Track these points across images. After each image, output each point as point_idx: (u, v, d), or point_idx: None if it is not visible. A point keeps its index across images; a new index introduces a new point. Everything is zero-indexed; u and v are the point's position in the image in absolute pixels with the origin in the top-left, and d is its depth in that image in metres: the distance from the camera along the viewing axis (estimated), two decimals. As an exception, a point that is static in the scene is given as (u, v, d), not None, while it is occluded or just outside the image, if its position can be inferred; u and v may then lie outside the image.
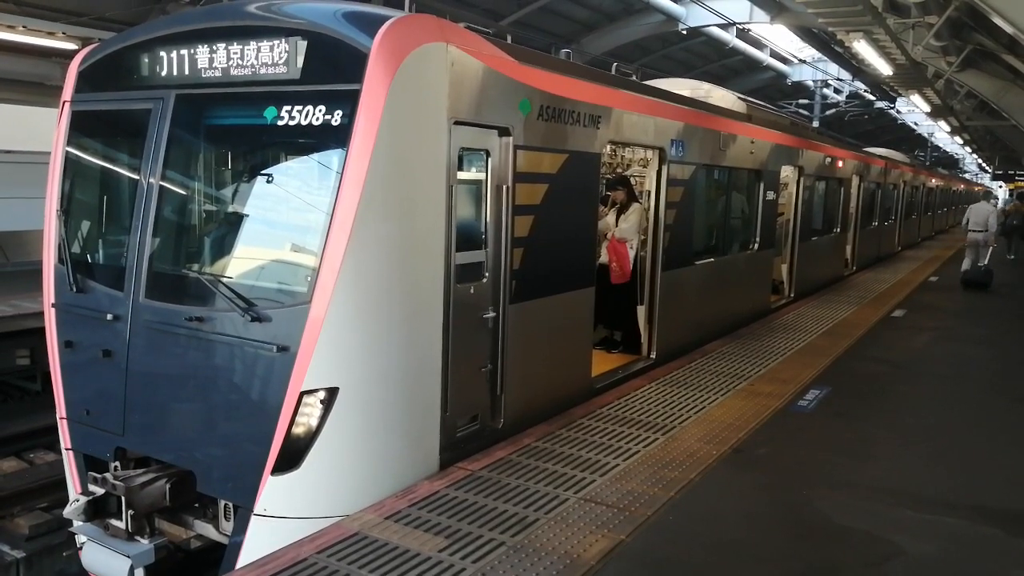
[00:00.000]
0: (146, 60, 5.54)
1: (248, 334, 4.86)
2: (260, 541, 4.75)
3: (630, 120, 7.34)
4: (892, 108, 36.30)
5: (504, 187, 5.69)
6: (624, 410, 6.76)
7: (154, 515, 5.23)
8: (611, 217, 8.81)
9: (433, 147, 5.02)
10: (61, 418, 5.94)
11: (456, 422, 5.47)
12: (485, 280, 5.65)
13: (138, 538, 5.11)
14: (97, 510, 5.20)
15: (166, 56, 5.41)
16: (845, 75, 30.13)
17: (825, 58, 26.82)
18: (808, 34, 21.95)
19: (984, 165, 56.11)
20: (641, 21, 21.38)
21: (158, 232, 5.42)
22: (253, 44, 4.99)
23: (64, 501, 5.68)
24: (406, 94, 4.78)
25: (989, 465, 6.01)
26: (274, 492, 4.79)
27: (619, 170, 10.47)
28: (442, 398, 5.25)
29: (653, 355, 8.36)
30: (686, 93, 9.71)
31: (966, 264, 17.06)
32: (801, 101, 34.19)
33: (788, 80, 31.11)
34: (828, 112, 35.17)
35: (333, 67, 4.79)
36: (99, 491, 5.18)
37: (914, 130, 45.77)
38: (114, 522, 5.18)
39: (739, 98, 11.35)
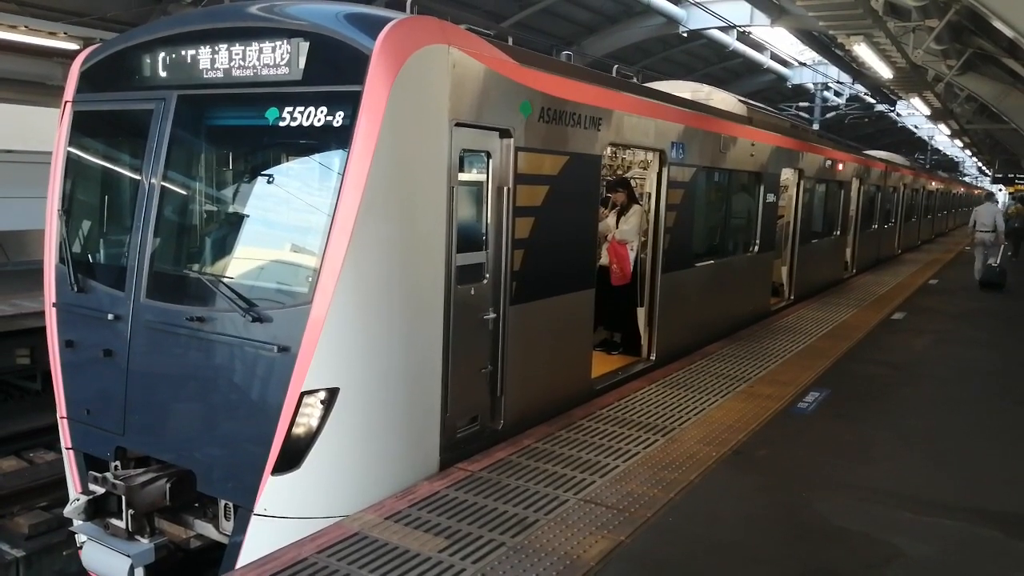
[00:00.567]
0: (148, 61, 5.56)
1: (249, 334, 4.86)
2: (260, 541, 4.76)
3: (631, 122, 7.35)
4: (892, 111, 36.31)
5: (505, 188, 5.70)
6: (624, 412, 6.77)
7: (154, 515, 5.24)
8: (611, 219, 8.82)
9: (434, 148, 5.03)
10: (61, 417, 5.95)
11: (456, 423, 5.48)
12: (486, 281, 5.66)
13: (138, 537, 5.11)
14: (97, 509, 5.21)
15: (168, 57, 5.43)
16: (845, 78, 30.11)
17: (825, 61, 26.82)
18: (809, 37, 21.95)
19: (984, 168, 56.14)
20: (642, 23, 21.38)
21: (159, 232, 5.43)
22: (255, 45, 5.00)
23: (64, 500, 5.69)
24: (408, 96, 4.79)
25: (989, 467, 6.02)
26: (274, 492, 4.79)
27: (619, 172, 10.48)
28: (442, 399, 5.26)
29: (653, 357, 8.37)
30: (687, 95, 9.72)
31: (978, 264, 17.38)
32: (801, 104, 34.19)
33: (788, 83, 31.10)
34: (828, 115, 35.16)
35: (335, 68, 4.80)
36: (99, 490, 5.19)
37: (914, 133, 45.79)
38: (114, 521, 5.19)
39: (739, 100, 11.36)
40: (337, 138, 4.73)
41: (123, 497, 5.05)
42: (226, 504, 5.18)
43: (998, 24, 8.21)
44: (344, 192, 4.64)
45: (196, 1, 13.62)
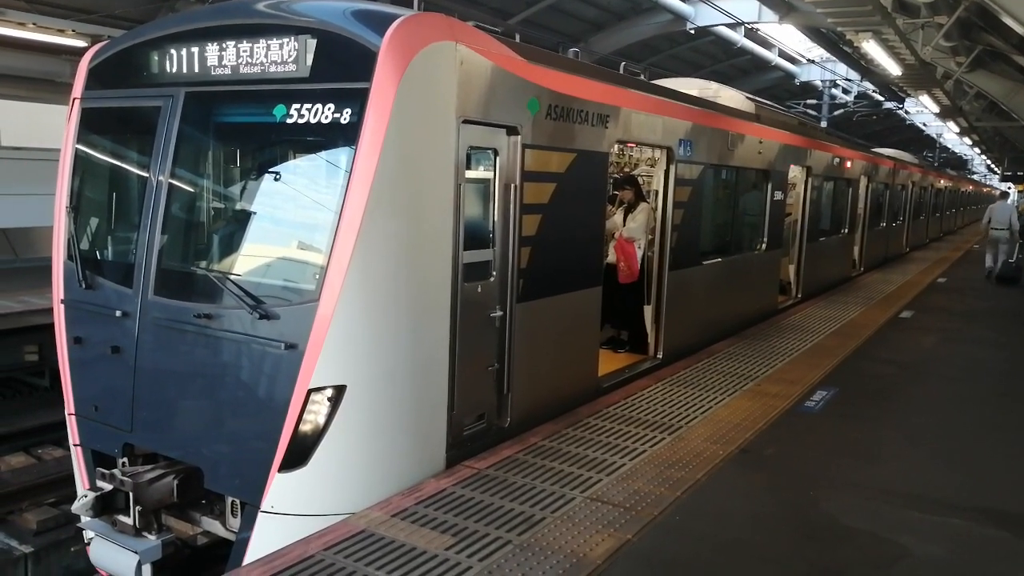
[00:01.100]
0: (156, 58, 5.56)
1: (256, 331, 4.87)
2: (267, 538, 4.77)
3: (638, 119, 7.34)
4: (901, 109, 36.18)
5: (512, 186, 5.69)
6: (631, 410, 6.76)
7: (162, 511, 5.25)
8: (619, 216, 8.80)
9: (442, 146, 5.03)
10: (69, 414, 5.96)
11: (463, 420, 5.48)
12: (492, 279, 5.65)
13: (146, 534, 5.13)
14: (105, 506, 5.22)
15: (176, 54, 5.43)
16: (854, 75, 30.02)
17: (833, 58, 26.75)
18: (817, 34, 21.88)
19: (993, 166, 55.86)
20: (649, 20, 21.34)
21: (167, 229, 5.43)
22: (262, 42, 5.00)
23: (72, 497, 5.70)
24: (415, 93, 4.78)
25: (997, 467, 5.99)
26: (281, 489, 4.80)
27: (627, 169, 10.46)
28: (449, 396, 5.26)
29: (660, 355, 8.35)
30: (694, 92, 9.69)
31: (989, 261, 17.91)
32: (809, 101, 34.10)
33: (796, 80, 31.02)
34: (836, 112, 35.05)
35: (342, 65, 4.79)
36: (107, 487, 5.20)
37: (923, 131, 45.64)
38: (122, 518, 5.21)
39: (747, 98, 11.32)
40: (344, 135, 4.73)
41: (131, 494, 5.07)
42: (233, 501, 5.18)
43: (1008, 20, 8.16)
44: (351, 189, 4.64)
45: (203, -2, 13.65)
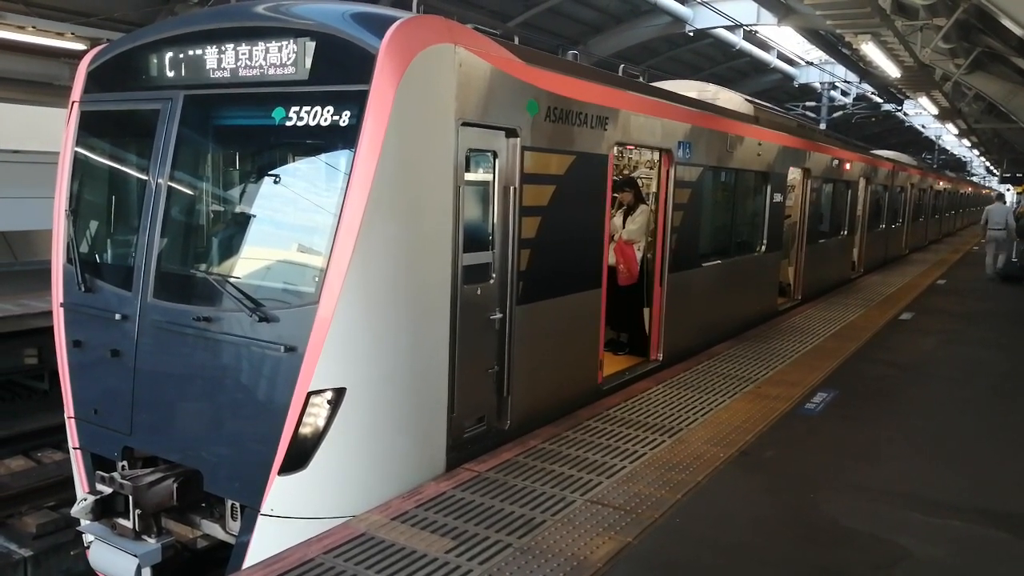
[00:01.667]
0: (155, 61, 5.56)
1: (256, 334, 4.87)
2: (267, 541, 4.76)
3: (637, 121, 7.34)
4: (899, 111, 36.21)
5: (511, 188, 5.69)
6: (631, 412, 6.75)
7: (161, 514, 5.24)
8: (618, 219, 8.79)
9: (441, 148, 5.02)
10: (69, 417, 5.96)
11: (463, 423, 5.47)
12: (492, 281, 5.65)
13: (145, 537, 5.12)
14: (105, 509, 5.22)
15: (175, 57, 5.43)
16: (852, 77, 30.06)
17: (832, 60, 26.77)
18: (815, 36, 21.91)
19: (992, 168, 55.92)
20: (648, 23, 21.36)
21: (166, 232, 5.43)
22: (261, 45, 5.01)
23: (71, 500, 5.70)
24: (414, 95, 4.78)
25: (998, 468, 5.99)
26: (281, 492, 4.79)
27: (626, 172, 10.46)
28: (449, 399, 5.25)
29: (660, 357, 8.35)
30: (693, 95, 9.70)
31: (989, 260, 18.62)
32: (808, 103, 34.12)
33: (795, 82, 31.05)
34: (835, 114, 35.09)
35: (341, 68, 4.79)
36: (107, 490, 5.20)
37: (921, 133, 45.67)
38: (121, 521, 5.20)
39: (746, 100, 11.33)
40: (343, 138, 4.73)
41: (130, 497, 5.06)
42: (233, 504, 5.18)
43: (1007, 22, 8.17)
44: (350, 192, 4.64)
45: (203, 1, 13.65)
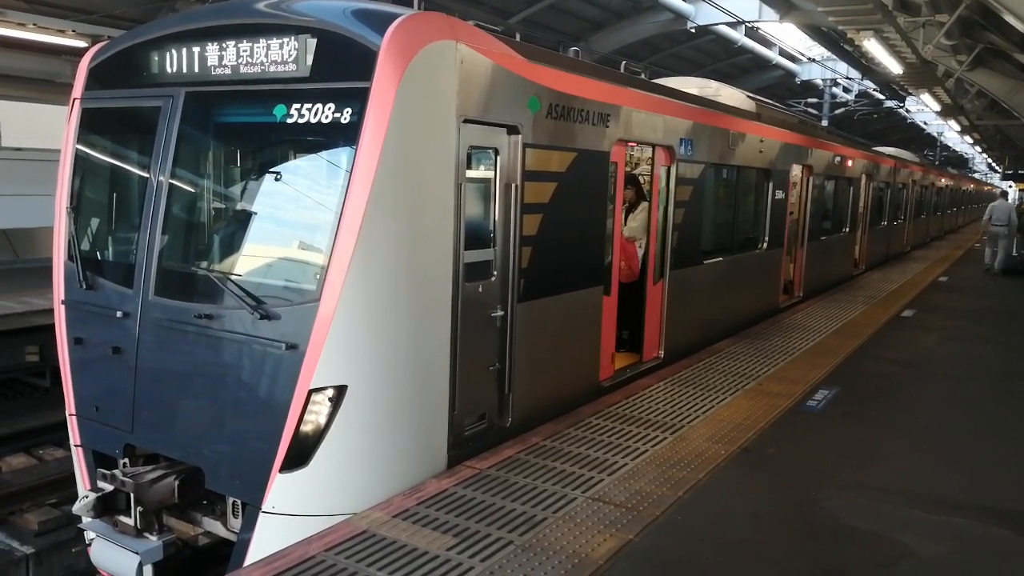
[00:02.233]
0: (156, 58, 5.56)
1: (257, 332, 4.86)
2: (268, 538, 4.76)
3: (639, 118, 7.32)
4: (901, 107, 36.17)
5: (513, 185, 5.68)
6: (632, 409, 6.75)
7: (163, 512, 5.25)
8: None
9: (442, 145, 5.02)
10: (70, 414, 5.96)
11: (464, 420, 5.47)
12: (493, 279, 5.64)
13: (147, 535, 5.12)
14: (106, 506, 5.22)
15: (176, 54, 5.42)
16: (854, 74, 30.01)
17: (834, 57, 26.72)
18: (817, 32, 21.86)
19: (994, 165, 55.85)
20: (650, 19, 21.33)
21: (167, 229, 5.43)
22: (262, 42, 5.00)
23: (73, 497, 5.70)
24: (415, 92, 4.77)
25: (999, 466, 5.98)
26: (282, 490, 4.79)
27: (627, 168, 10.43)
28: (450, 396, 5.25)
29: (661, 354, 8.34)
30: (695, 91, 9.68)
31: (988, 255, 19.65)
32: (810, 100, 34.07)
33: (797, 79, 31.00)
34: (837, 111, 35.03)
35: (342, 65, 4.79)
36: (108, 487, 5.20)
37: (923, 129, 45.62)
38: (123, 518, 5.21)
39: (748, 97, 11.31)
40: (345, 135, 4.72)
41: (132, 494, 5.06)
42: (234, 501, 5.18)
43: (1009, 19, 8.15)
44: (352, 189, 4.63)
45: (204, -2, 13.65)
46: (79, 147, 6.04)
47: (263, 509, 4.84)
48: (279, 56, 4.93)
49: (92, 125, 6.02)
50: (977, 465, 5.97)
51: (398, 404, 4.95)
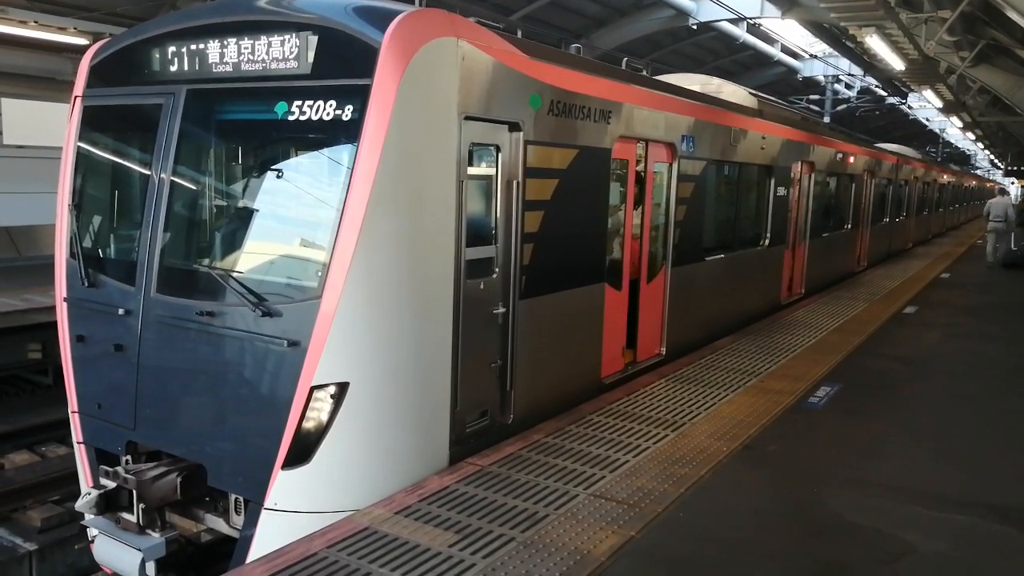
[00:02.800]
0: (157, 55, 5.56)
1: (259, 329, 4.87)
2: (271, 535, 4.77)
3: (640, 115, 7.31)
4: (904, 104, 36.08)
5: (514, 182, 5.68)
6: (634, 406, 6.75)
7: (165, 509, 5.25)
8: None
9: (443, 142, 5.01)
10: (73, 412, 5.97)
11: (466, 417, 5.47)
12: (495, 276, 5.64)
13: (149, 531, 5.13)
14: (109, 503, 5.24)
15: (177, 51, 5.42)
16: (856, 70, 29.94)
17: (836, 53, 26.67)
18: (819, 29, 21.80)
19: (996, 161, 55.76)
20: (651, 16, 21.31)
21: (169, 227, 5.43)
22: (264, 39, 4.99)
23: (76, 494, 5.71)
24: (417, 89, 4.77)
25: (1001, 463, 5.97)
26: (284, 486, 4.80)
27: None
28: (452, 393, 5.25)
29: (663, 351, 8.34)
30: (697, 88, 9.66)
31: (989, 248, 20.31)
32: (812, 96, 34.02)
33: (799, 75, 30.96)
34: (839, 108, 34.98)
35: (344, 62, 4.78)
36: (111, 484, 5.21)
37: (926, 126, 45.54)
38: (126, 515, 5.22)
39: (750, 93, 11.29)
40: (346, 132, 4.72)
41: (134, 491, 5.07)
42: (236, 498, 5.18)
43: (1012, 15, 8.13)
44: (353, 186, 4.63)
45: (205, -5, 13.64)
46: (81, 145, 6.04)
47: (265, 506, 4.84)
48: (280, 53, 4.93)
49: (94, 122, 6.02)
50: (979, 462, 5.97)
51: (400, 401, 4.95)
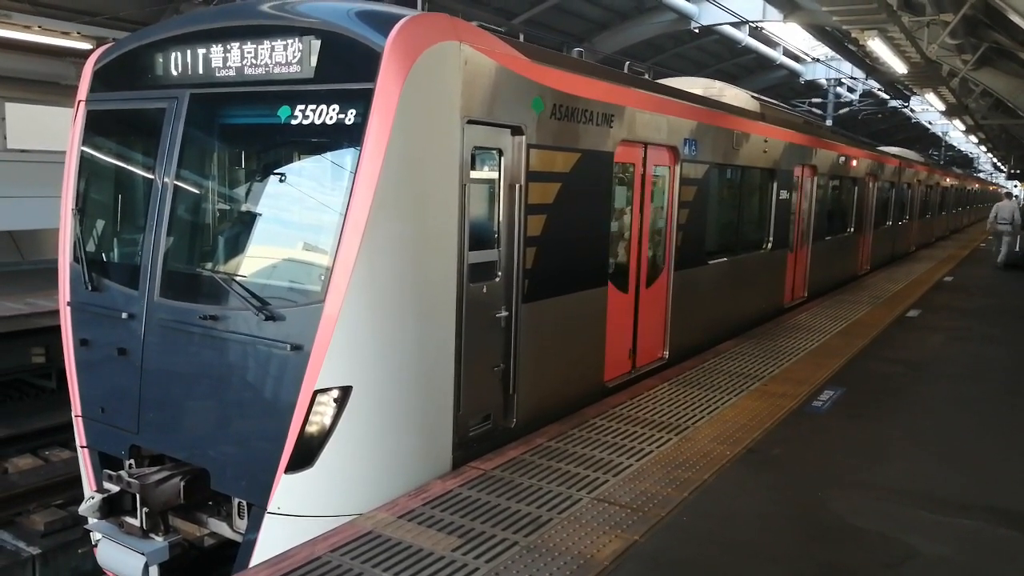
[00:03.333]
0: (160, 59, 5.57)
1: (262, 333, 4.87)
2: (274, 539, 4.77)
3: (643, 119, 7.32)
4: (906, 107, 36.08)
5: (517, 186, 5.68)
6: (637, 410, 6.74)
7: (168, 513, 5.26)
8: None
9: (446, 146, 5.02)
10: (76, 416, 5.98)
11: (469, 421, 5.47)
12: (498, 279, 5.64)
13: (152, 536, 5.14)
14: (112, 507, 5.24)
15: (180, 56, 5.44)
16: (859, 73, 29.97)
17: (839, 56, 26.65)
18: (821, 32, 21.81)
19: (999, 164, 55.71)
20: (654, 19, 21.33)
21: (172, 231, 5.44)
22: (267, 43, 5.01)
23: (79, 498, 5.72)
24: (419, 93, 4.78)
25: (1005, 466, 5.96)
26: (288, 490, 4.80)
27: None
28: (455, 397, 5.25)
29: (666, 355, 8.34)
30: (699, 92, 9.67)
31: (997, 250, 21.40)
32: (814, 100, 34.03)
33: (801, 79, 30.96)
34: (841, 111, 34.99)
35: (346, 66, 4.79)
36: (114, 489, 5.22)
37: (928, 129, 45.50)
38: (129, 520, 5.22)
39: (752, 97, 11.30)
40: (349, 136, 4.73)
41: (138, 495, 5.08)
42: (240, 502, 5.19)
43: (1014, 18, 8.13)
44: (356, 190, 4.64)
45: (208, 0, 13.67)
46: (84, 149, 6.06)
47: (269, 510, 4.84)
48: (283, 58, 4.94)
49: (97, 127, 6.04)
50: (983, 465, 5.95)
51: (403, 405, 4.95)
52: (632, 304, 7.69)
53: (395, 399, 4.91)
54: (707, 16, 20.58)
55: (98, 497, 5.22)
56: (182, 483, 5.11)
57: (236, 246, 5.45)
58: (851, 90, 35.16)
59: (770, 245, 11.30)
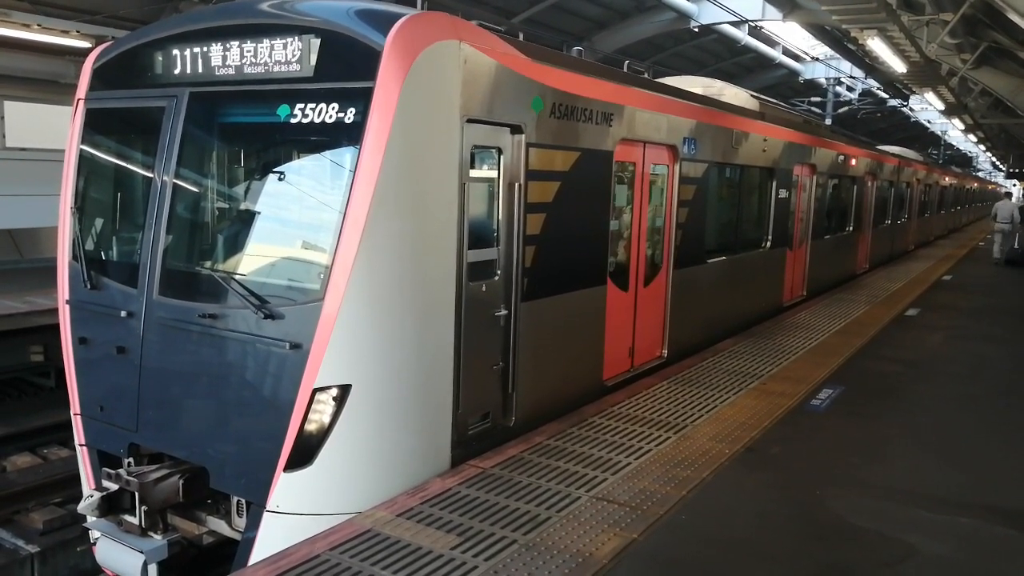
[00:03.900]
0: (160, 58, 5.57)
1: (261, 331, 4.87)
2: (273, 537, 4.77)
3: (642, 118, 7.32)
4: (905, 106, 36.09)
5: (516, 185, 5.68)
6: (636, 408, 6.75)
7: (167, 511, 5.26)
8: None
9: (445, 145, 5.02)
10: (75, 414, 5.98)
11: (468, 420, 5.48)
12: (497, 278, 5.65)
13: (151, 534, 5.14)
14: (111, 506, 5.23)
15: (180, 54, 5.44)
16: (858, 73, 29.97)
17: (838, 55, 26.66)
18: (821, 31, 21.83)
19: (998, 163, 55.74)
20: (653, 18, 21.32)
21: (172, 229, 5.44)
22: (266, 42, 5.00)
23: (78, 497, 5.71)
24: (419, 92, 4.78)
25: (1004, 465, 5.97)
26: (287, 489, 4.80)
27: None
28: (454, 396, 5.26)
29: (665, 353, 8.34)
30: (698, 91, 9.67)
31: (996, 250, 22.07)
32: (813, 99, 34.03)
33: (800, 78, 30.96)
34: (841, 110, 35.00)
35: (346, 65, 4.79)
36: (113, 487, 5.21)
37: (927, 128, 45.49)
38: (128, 518, 5.22)
39: (751, 96, 11.30)
40: (349, 135, 4.73)
41: (136, 493, 5.07)
42: (239, 500, 5.19)
43: (1014, 17, 8.13)
44: (356, 189, 4.64)
45: (207, -2, 13.68)
46: (83, 147, 6.05)
47: (267, 508, 4.84)
48: (283, 56, 4.94)
49: (96, 125, 6.03)
50: (982, 464, 5.96)
51: (402, 403, 4.95)
52: (631, 303, 7.69)
53: (394, 397, 4.91)
54: (706, 15, 20.58)
55: (97, 495, 5.22)
56: (181, 481, 5.11)
57: (235, 244, 5.45)
58: (850, 89, 35.17)
59: (769, 244, 11.31)
